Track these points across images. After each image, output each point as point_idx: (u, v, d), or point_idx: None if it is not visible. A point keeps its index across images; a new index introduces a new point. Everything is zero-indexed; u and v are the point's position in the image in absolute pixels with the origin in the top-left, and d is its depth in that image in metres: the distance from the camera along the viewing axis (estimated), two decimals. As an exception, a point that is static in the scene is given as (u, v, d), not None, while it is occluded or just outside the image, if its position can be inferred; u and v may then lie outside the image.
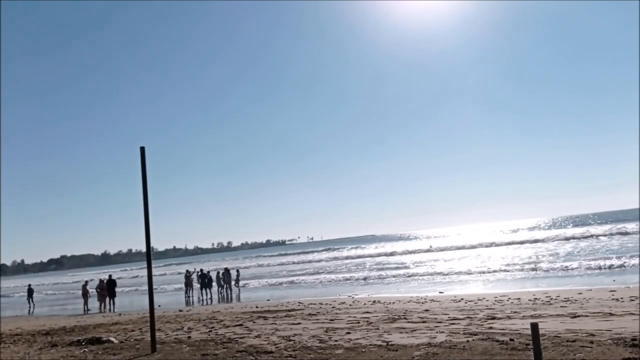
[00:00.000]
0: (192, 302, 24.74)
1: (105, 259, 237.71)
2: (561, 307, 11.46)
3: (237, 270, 30.66)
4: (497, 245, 49.00)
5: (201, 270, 28.41)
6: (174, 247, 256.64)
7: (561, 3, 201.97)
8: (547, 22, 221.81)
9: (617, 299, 12.10)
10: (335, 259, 55.74)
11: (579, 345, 6.75)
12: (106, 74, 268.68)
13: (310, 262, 55.56)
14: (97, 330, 13.33)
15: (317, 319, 12.05)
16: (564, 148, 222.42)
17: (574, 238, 47.61)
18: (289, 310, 14.81)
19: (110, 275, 25.72)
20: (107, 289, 24.42)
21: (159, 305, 21.64)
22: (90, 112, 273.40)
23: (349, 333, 9.39)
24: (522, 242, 48.16)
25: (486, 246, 48.73)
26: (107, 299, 24.20)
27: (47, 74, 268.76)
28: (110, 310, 23.38)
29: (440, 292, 18.19)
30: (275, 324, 11.72)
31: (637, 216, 57.26)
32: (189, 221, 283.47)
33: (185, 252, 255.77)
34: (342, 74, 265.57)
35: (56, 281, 76.67)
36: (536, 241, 47.60)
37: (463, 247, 49.94)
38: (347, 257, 55.79)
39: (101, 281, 25.00)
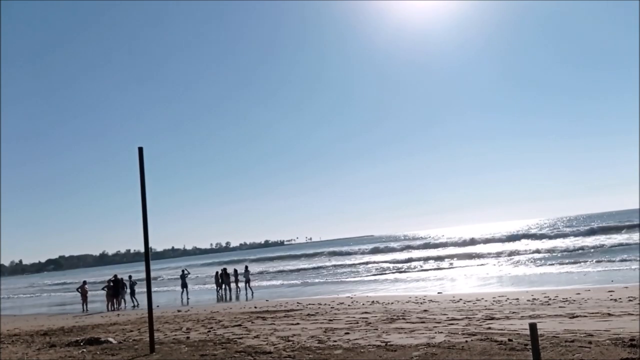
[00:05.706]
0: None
1: (103, 260, 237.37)
2: (559, 307, 11.47)
3: (235, 270, 30.52)
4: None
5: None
6: (172, 247, 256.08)
7: (559, 4, 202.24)
8: (546, 23, 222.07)
9: (616, 299, 12.12)
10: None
11: (577, 345, 6.76)
12: (106, 75, 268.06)
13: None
14: (96, 330, 13.31)
15: (316, 319, 12.04)
16: (564, 149, 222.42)
17: (572, 238, 47.66)
18: (288, 311, 14.81)
19: (115, 275, 25.83)
20: (113, 288, 24.62)
21: (157, 306, 21.60)
22: (89, 113, 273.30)
23: (347, 333, 9.39)
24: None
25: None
26: (114, 299, 24.55)
27: (46, 75, 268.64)
28: (124, 307, 24.11)
29: (438, 292, 18.21)
30: (274, 324, 11.71)
31: (637, 216, 57.23)
32: (188, 222, 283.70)
33: (184, 253, 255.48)
34: (341, 76, 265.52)
35: (55, 281, 76.63)
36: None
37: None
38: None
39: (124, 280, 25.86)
